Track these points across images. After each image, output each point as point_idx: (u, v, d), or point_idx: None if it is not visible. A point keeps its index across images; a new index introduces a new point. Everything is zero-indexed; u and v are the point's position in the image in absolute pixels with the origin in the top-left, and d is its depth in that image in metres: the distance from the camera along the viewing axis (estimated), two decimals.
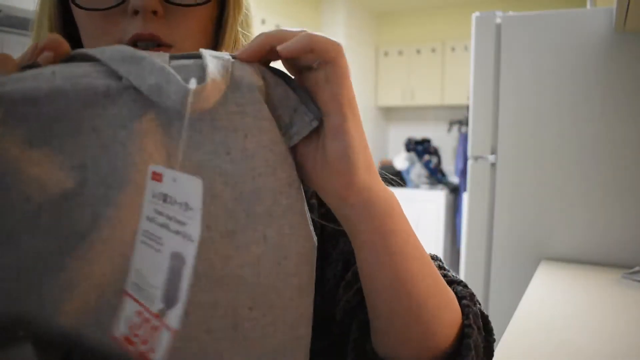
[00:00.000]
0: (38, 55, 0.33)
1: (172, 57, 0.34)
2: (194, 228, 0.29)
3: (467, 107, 1.68)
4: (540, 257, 1.56)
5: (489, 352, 0.45)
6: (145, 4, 0.42)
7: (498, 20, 1.59)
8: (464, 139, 4.64)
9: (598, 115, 1.48)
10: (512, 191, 1.59)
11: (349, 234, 0.39)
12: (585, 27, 1.47)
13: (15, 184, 0.28)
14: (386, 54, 5.17)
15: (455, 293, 0.45)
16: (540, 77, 1.54)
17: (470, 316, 0.43)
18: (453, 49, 4.85)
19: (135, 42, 0.44)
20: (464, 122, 4.74)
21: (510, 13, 1.58)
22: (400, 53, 5.10)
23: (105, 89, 0.31)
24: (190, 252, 0.28)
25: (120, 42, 0.44)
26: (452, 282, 0.47)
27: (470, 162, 1.66)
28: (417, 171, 4.46)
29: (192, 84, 0.31)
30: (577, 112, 1.50)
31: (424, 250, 0.41)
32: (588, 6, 1.70)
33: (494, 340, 0.46)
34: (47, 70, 0.30)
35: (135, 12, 0.43)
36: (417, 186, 4.46)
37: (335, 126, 0.35)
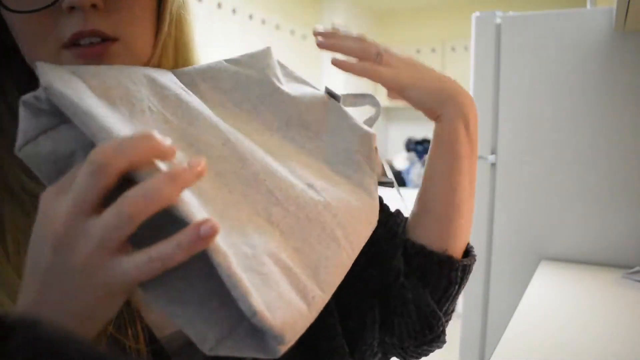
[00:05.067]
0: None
1: None
2: None
3: None
4: (540, 257, 1.56)
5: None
6: None
7: (498, 20, 1.59)
8: None
9: (598, 115, 1.48)
10: (512, 191, 1.59)
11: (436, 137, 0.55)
12: (585, 27, 1.47)
13: None
14: None
15: None
16: (540, 77, 1.54)
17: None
18: (453, 49, 4.85)
19: (75, 42, 0.39)
20: None
21: (510, 13, 1.58)
22: None
23: None
24: None
25: (60, 43, 0.40)
26: None
27: None
28: (417, 171, 4.45)
29: None
30: (577, 112, 1.50)
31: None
32: (588, 6, 1.70)
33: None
34: None
35: (72, 8, 0.39)
36: (417, 186, 4.46)
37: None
